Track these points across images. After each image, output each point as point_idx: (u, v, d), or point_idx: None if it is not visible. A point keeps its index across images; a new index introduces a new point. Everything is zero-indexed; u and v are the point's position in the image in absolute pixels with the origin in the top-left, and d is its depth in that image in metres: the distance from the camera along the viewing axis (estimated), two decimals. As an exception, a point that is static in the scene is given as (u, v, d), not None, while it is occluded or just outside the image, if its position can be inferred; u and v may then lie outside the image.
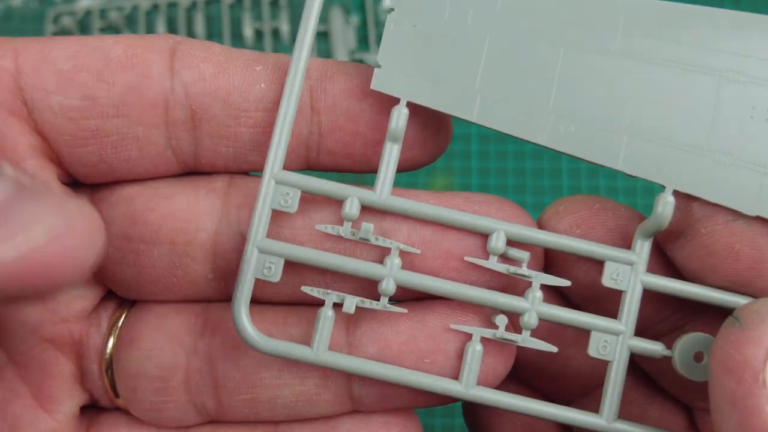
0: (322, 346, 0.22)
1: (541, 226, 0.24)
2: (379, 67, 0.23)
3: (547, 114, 0.22)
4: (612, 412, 0.22)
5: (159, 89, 0.22)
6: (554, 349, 0.23)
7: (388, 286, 0.22)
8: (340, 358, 0.22)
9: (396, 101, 0.22)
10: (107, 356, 0.24)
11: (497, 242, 0.22)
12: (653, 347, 0.23)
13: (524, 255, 0.23)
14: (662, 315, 0.24)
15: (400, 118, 0.22)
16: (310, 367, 0.23)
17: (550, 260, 0.24)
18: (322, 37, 0.53)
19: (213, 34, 0.53)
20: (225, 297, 0.24)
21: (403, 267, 0.23)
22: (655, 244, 0.23)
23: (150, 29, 0.53)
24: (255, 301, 0.23)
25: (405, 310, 0.23)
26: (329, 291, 0.23)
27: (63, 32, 0.53)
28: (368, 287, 0.23)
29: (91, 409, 0.25)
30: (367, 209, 0.23)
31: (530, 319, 0.22)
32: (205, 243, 0.23)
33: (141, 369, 0.24)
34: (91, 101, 0.22)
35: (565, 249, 0.23)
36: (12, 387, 0.23)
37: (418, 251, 0.23)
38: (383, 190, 0.22)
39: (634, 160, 0.22)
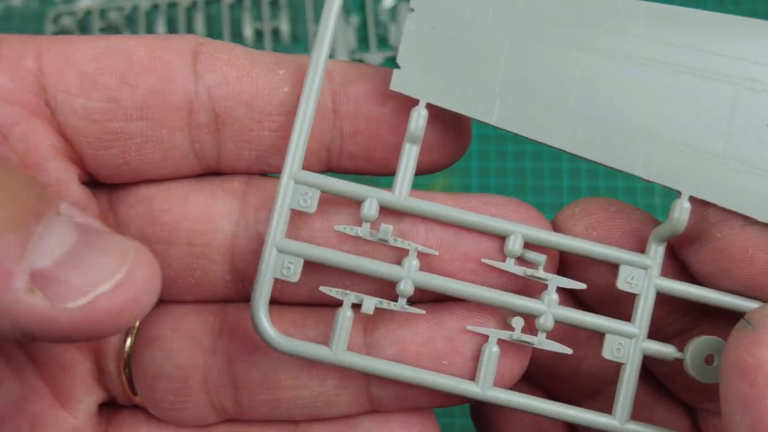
0: (341, 346, 0.22)
1: (556, 227, 0.24)
2: (398, 68, 0.23)
3: (566, 118, 0.22)
4: (625, 414, 0.23)
5: (183, 92, 0.22)
6: (569, 351, 0.23)
7: (407, 287, 0.22)
8: (359, 358, 0.23)
9: (416, 103, 0.22)
10: (125, 355, 0.24)
11: (514, 245, 0.23)
12: (665, 350, 0.23)
13: (541, 258, 0.23)
14: (672, 318, 0.25)
15: (419, 119, 0.22)
16: (328, 368, 0.23)
17: (564, 262, 0.24)
18: (322, 37, 0.53)
19: (213, 34, 0.53)
20: (243, 298, 0.24)
21: (421, 268, 0.23)
22: (667, 248, 0.23)
23: (150, 29, 0.53)
24: (272, 302, 0.23)
25: (423, 312, 0.23)
26: (348, 292, 0.23)
27: (63, 32, 0.53)
28: (385, 288, 0.23)
29: (108, 407, 0.25)
30: (384, 210, 0.23)
31: (546, 322, 0.23)
32: (222, 244, 0.23)
33: (160, 369, 0.24)
34: (114, 104, 0.22)
35: (582, 252, 0.23)
36: (31, 386, 0.23)
37: (437, 253, 0.23)
38: (402, 191, 0.23)
39: (652, 166, 0.22)
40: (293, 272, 0.22)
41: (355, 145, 0.23)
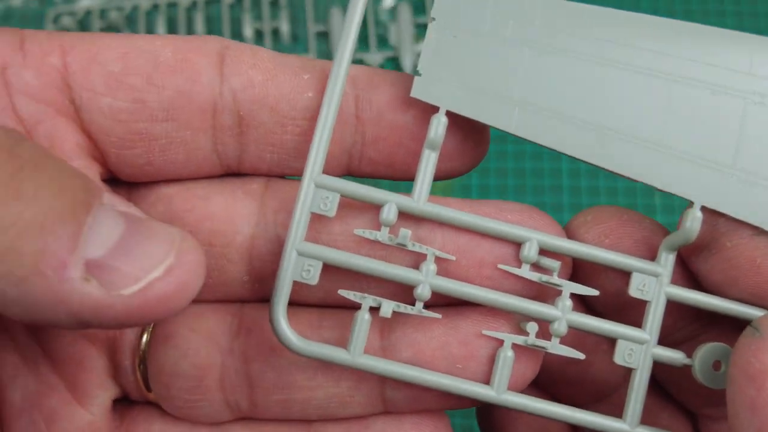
0: (358, 349, 0.23)
1: (568, 234, 0.24)
2: (419, 75, 0.23)
3: (582, 128, 0.23)
4: (635, 418, 0.23)
5: (208, 95, 0.22)
6: (582, 356, 0.23)
7: (424, 292, 0.23)
8: (376, 361, 0.23)
9: (436, 111, 0.23)
10: (141, 352, 0.24)
11: (530, 251, 0.23)
12: (675, 356, 0.23)
13: (555, 264, 0.23)
14: (680, 324, 0.25)
15: (439, 126, 0.23)
16: (344, 369, 0.24)
17: (575, 269, 0.25)
18: (323, 37, 0.53)
19: (213, 33, 0.53)
20: (259, 298, 0.24)
21: (438, 273, 0.23)
22: (676, 256, 0.24)
23: (150, 29, 0.53)
24: (288, 303, 0.23)
25: (439, 316, 0.23)
26: (366, 295, 0.23)
27: (63, 32, 0.52)
28: (400, 292, 0.23)
29: (122, 403, 0.25)
30: (402, 215, 0.23)
31: (560, 327, 0.23)
32: (241, 245, 0.23)
33: (176, 367, 0.24)
34: (140, 104, 0.22)
35: (595, 260, 0.23)
36: (47, 381, 0.23)
37: (454, 258, 0.23)
38: (420, 197, 0.23)
39: (665, 176, 0.23)
40: (312, 275, 0.23)
41: (377, 151, 0.23)
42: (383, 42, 0.53)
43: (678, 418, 0.27)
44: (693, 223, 0.22)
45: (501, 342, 0.23)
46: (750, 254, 0.22)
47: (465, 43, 0.23)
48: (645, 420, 0.24)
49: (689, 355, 0.23)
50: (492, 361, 0.23)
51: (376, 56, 0.52)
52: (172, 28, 0.53)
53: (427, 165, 0.23)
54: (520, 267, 0.23)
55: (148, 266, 0.18)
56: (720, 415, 0.26)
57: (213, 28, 0.53)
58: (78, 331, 0.24)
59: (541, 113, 0.23)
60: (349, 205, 0.23)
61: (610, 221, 0.24)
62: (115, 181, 0.24)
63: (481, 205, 0.24)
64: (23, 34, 0.22)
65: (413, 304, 0.23)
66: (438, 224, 0.23)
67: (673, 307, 0.24)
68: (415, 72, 0.23)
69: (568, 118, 0.23)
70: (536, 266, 0.23)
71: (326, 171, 0.23)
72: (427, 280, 0.23)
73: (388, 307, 0.23)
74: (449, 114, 0.23)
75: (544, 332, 0.24)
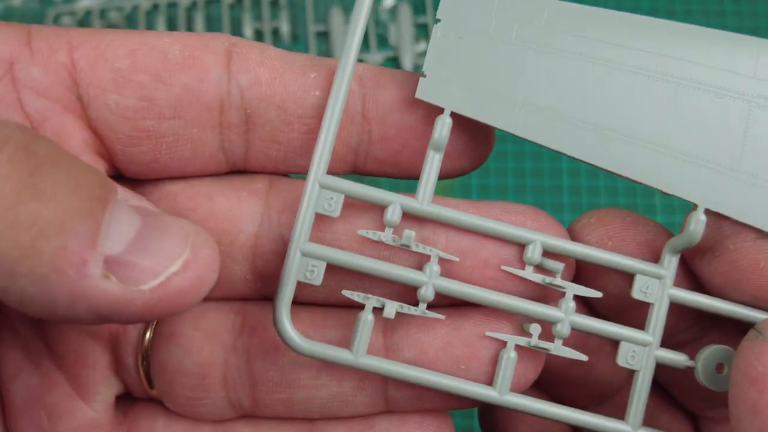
0: (361, 349, 0.23)
1: (572, 236, 0.24)
2: (424, 76, 0.23)
3: (587, 131, 0.23)
4: (637, 420, 0.23)
5: (216, 92, 0.22)
6: (585, 357, 0.23)
7: (427, 293, 0.23)
8: (379, 362, 0.23)
9: (441, 111, 0.23)
10: (144, 349, 0.24)
11: (534, 253, 0.23)
12: (677, 358, 0.23)
13: (559, 266, 0.23)
14: (682, 327, 0.25)
15: (443, 127, 0.23)
16: (347, 369, 0.24)
17: (579, 271, 0.25)
18: (322, 37, 0.53)
19: (213, 33, 0.53)
20: (261, 296, 0.24)
21: (441, 274, 0.23)
22: (680, 259, 0.24)
23: (150, 29, 0.53)
24: (292, 303, 0.23)
25: (442, 317, 0.23)
26: (369, 295, 0.23)
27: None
28: (404, 293, 0.23)
29: (125, 399, 0.25)
30: (405, 216, 0.23)
31: (563, 329, 0.23)
32: (245, 244, 0.23)
33: (179, 365, 0.24)
34: (148, 102, 0.22)
35: (599, 262, 0.23)
36: (49, 376, 0.23)
37: (457, 259, 0.23)
38: (425, 197, 0.23)
39: (670, 179, 0.23)
40: (316, 275, 0.23)
41: (383, 151, 0.23)
42: (383, 42, 0.53)
43: (680, 420, 0.27)
44: (697, 225, 0.22)
45: (504, 343, 0.23)
46: (753, 257, 0.22)
47: (470, 45, 0.23)
48: (647, 422, 0.24)
49: (692, 357, 0.23)
50: (495, 362, 0.23)
51: (376, 56, 0.52)
52: (171, 29, 0.53)
53: (432, 166, 0.23)
54: (523, 268, 0.23)
55: (166, 261, 0.18)
56: (722, 418, 0.26)
57: (213, 28, 0.53)
58: (81, 327, 0.24)
59: (547, 115, 0.23)
60: (353, 205, 0.23)
61: (614, 223, 0.24)
62: (119, 177, 0.24)
63: (487, 206, 0.24)
64: (30, 29, 0.22)
65: (416, 305, 0.23)
66: (442, 225, 0.23)
67: (676, 309, 0.24)
68: (418, 71, 0.23)
69: (574, 120, 0.23)
70: (540, 268, 0.23)
71: (332, 169, 0.23)
72: (430, 281, 0.23)
73: (391, 308, 0.23)
74: (454, 114, 0.23)
75: (547, 334, 0.24)
